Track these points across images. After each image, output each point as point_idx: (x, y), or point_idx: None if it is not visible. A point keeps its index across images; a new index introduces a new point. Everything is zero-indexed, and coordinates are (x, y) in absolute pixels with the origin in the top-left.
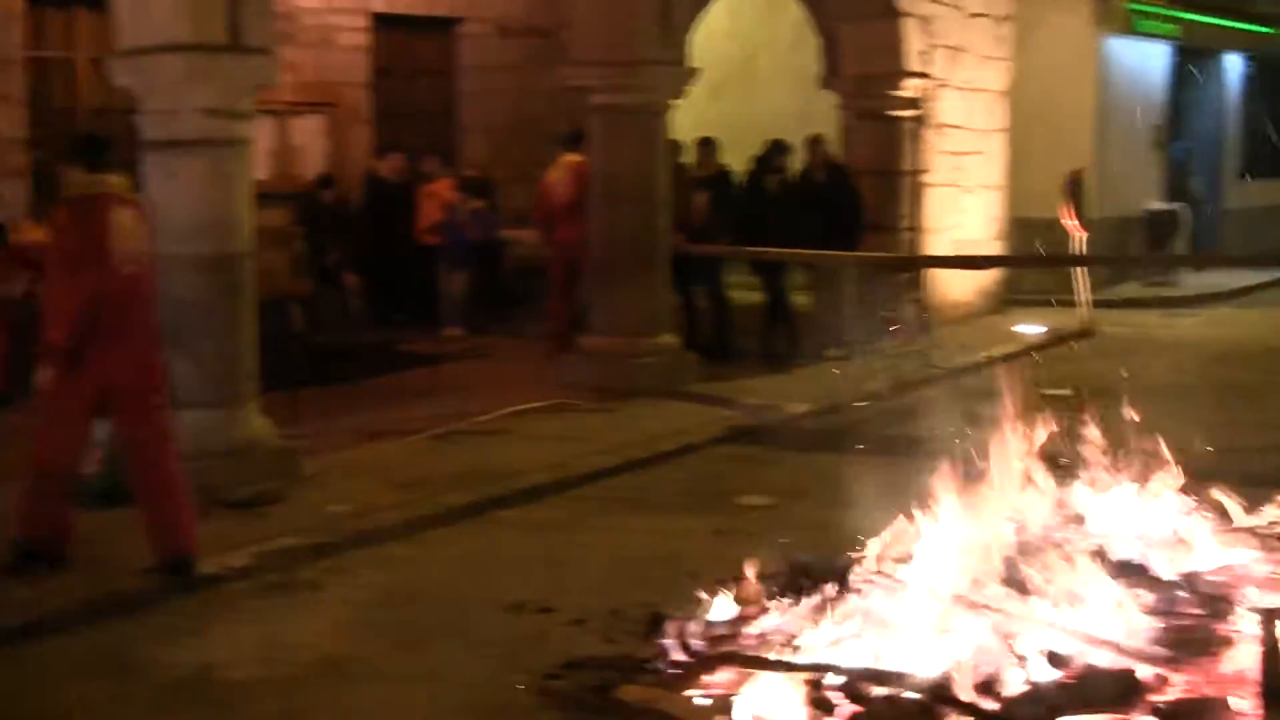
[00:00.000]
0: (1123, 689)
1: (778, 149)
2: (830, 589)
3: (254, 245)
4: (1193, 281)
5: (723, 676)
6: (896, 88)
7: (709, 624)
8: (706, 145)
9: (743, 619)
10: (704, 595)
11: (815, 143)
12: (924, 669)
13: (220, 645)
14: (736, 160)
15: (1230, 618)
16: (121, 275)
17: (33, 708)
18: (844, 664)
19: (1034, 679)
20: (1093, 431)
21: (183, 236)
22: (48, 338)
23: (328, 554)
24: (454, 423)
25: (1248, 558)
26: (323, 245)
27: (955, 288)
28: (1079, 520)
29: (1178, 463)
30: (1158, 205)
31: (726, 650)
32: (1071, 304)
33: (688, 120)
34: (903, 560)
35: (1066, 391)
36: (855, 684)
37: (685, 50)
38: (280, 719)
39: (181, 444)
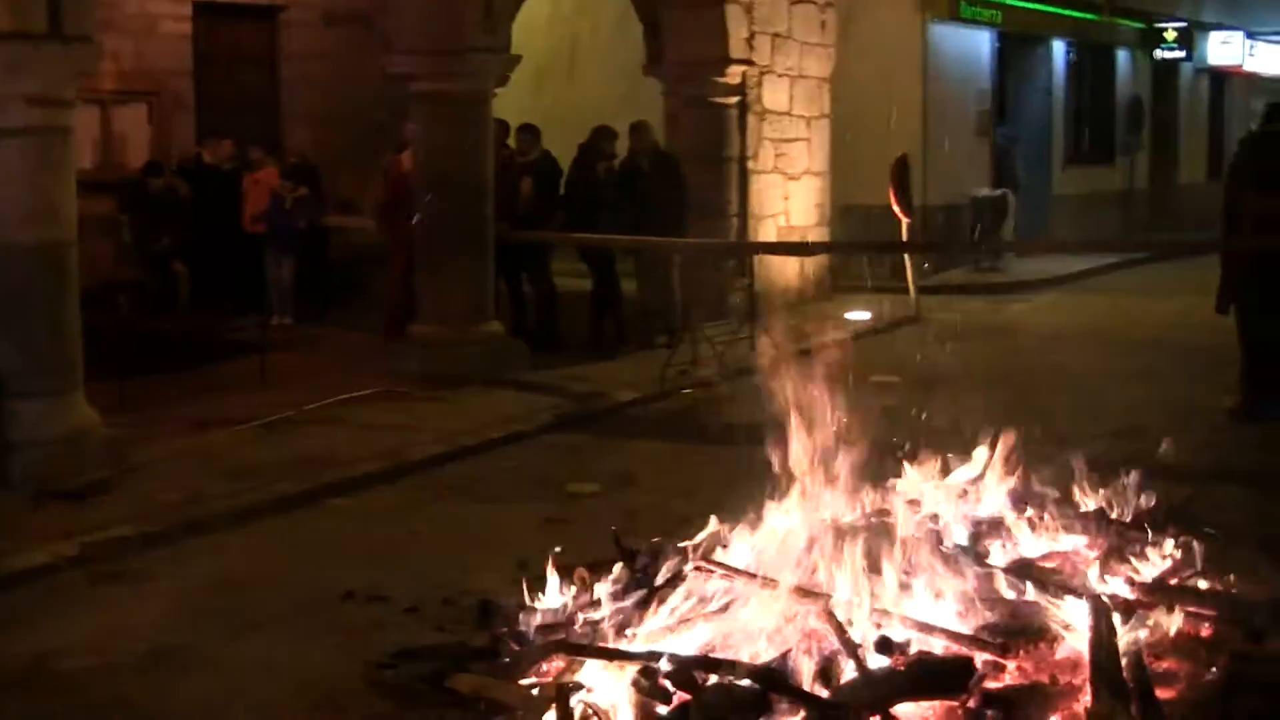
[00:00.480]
0: (956, 676)
1: (604, 135)
2: (660, 577)
3: (78, 233)
4: (1020, 268)
5: (555, 665)
6: (720, 74)
7: (540, 612)
8: (529, 132)
9: (574, 607)
10: (535, 583)
11: (640, 129)
12: (756, 656)
13: (52, 635)
14: (561, 148)
15: (1062, 604)
16: None
17: None
18: (676, 652)
19: (866, 666)
20: (923, 417)
21: (7, 225)
22: None
23: (158, 543)
24: (284, 411)
25: (1079, 543)
26: (150, 233)
27: (783, 274)
28: (911, 506)
29: (1009, 448)
30: (985, 191)
31: (558, 639)
32: (899, 291)
33: (511, 108)
34: (733, 547)
35: (895, 378)
36: (687, 672)
37: (507, 37)
38: (114, 708)
39: (12, 433)
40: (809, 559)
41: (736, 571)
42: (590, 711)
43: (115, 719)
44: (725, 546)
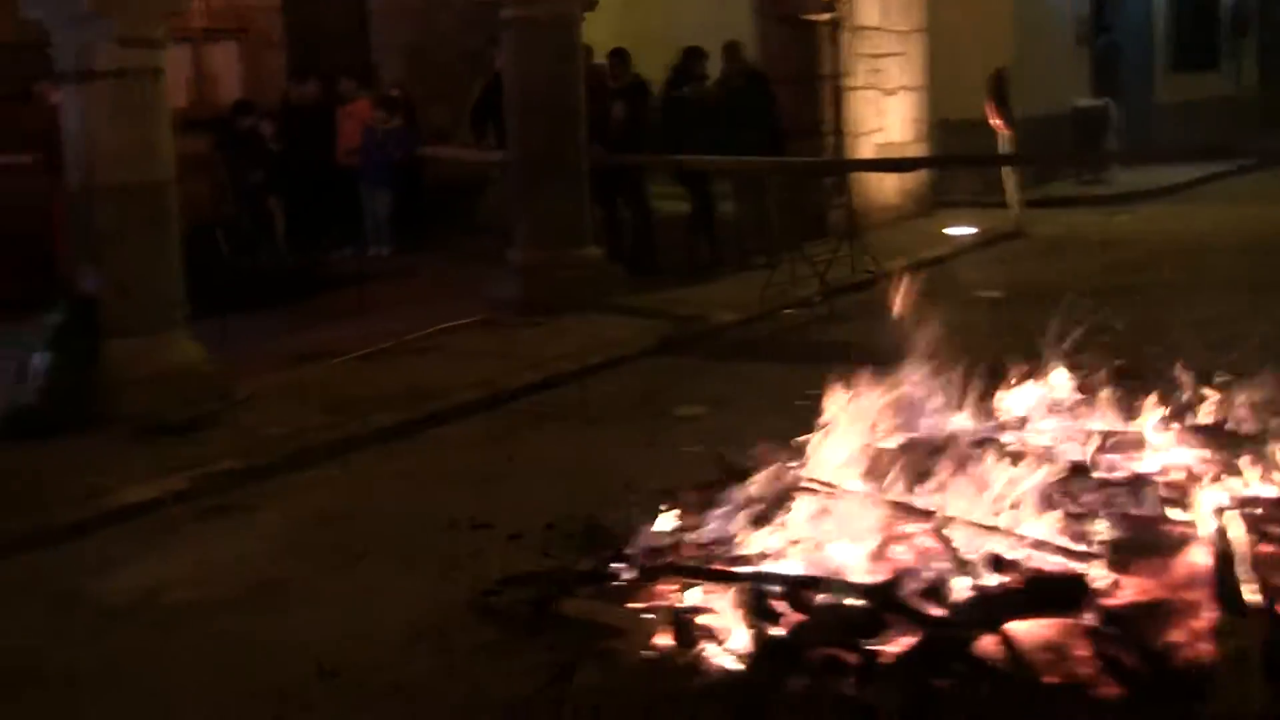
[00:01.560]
0: (1072, 593)
1: (694, 56)
2: (769, 497)
3: (176, 173)
4: (1124, 179)
5: (664, 588)
6: None
7: (647, 535)
8: (619, 56)
9: (681, 530)
10: (641, 507)
11: (732, 50)
12: (867, 575)
13: (160, 569)
14: (651, 71)
15: (1181, 518)
16: None
17: None
18: (786, 572)
19: (980, 584)
20: (1031, 333)
21: (105, 166)
22: None
23: (263, 476)
24: (383, 342)
25: (1195, 456)
26: (242, 170)
27: (882, 192)
28: (1022, 423)
29: (1120, 362)
30: (1086, 101)
31: (666, 561)
32: (1001, 205)
33: (601, 32)
34: (839, 466)
35: (998, 293)
36: (798, 592)
37: None
38: (221, 641)
39: (118, 371)
40: (917, 476)
41: (844, 491)
42: (701, 633)
43: (223, 651)
44: (831, 466)
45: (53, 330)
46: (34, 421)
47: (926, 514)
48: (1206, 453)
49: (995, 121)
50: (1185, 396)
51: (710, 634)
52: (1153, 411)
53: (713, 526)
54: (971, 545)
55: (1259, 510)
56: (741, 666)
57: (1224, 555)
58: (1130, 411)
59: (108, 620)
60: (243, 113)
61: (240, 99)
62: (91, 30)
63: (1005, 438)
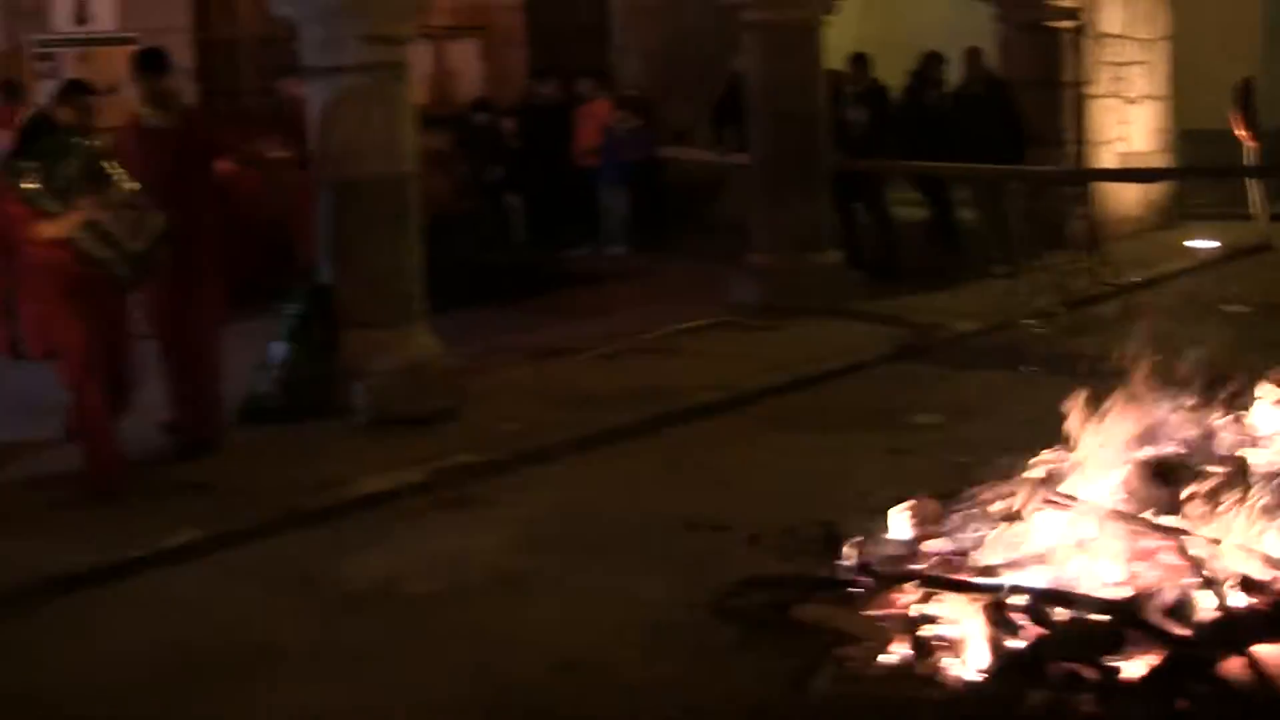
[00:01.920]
0: None
1: (934, 61)
2: (1008, 508)
3: (418, 167)
4: None
5: (901, 597)
6: None
7: (886, 543)
8: (860, 61)
9: (920, 538)
10: (880, 514)
11: (974, 55)
12: (1110, 591)
13: (399, 559)
14: (889, 76)
15: None
16: None
17: (219, 616)
18: (1026, 585)
19: (1226, 605)
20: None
21: (349, 160)
22: None
23: (500, 471)
24: (620, 341)
25: None
26: (481, 167)
27: (1123, 202)
28: (1271, 440)
29: None
30: None
31: (905, 570)
32: (1246, 218)
33: (839, 36)
34: (1080, 480)
35: (1245, 308)
36: (1039, 605)
37: None
38: (460, 631)
39: (356, 363)
40: (1161, 493)
41: (1087, 505)
42: (939, 643)
43: (461, 642)
44: (1072, 478)
45: (291, 320)
46: (272, 410)
47: (1172, 531)
48: None
49: (1241, 132)
50: None
51: (948, 645)
52: None
53: (952, 536)
54: (1219, 564)
55: None
56: (980, 679)
57: None
58: None
59: (348, 606)
60: (481, 110)
61: (480, 96)
62: (340, 26)
63: (1254, 456)
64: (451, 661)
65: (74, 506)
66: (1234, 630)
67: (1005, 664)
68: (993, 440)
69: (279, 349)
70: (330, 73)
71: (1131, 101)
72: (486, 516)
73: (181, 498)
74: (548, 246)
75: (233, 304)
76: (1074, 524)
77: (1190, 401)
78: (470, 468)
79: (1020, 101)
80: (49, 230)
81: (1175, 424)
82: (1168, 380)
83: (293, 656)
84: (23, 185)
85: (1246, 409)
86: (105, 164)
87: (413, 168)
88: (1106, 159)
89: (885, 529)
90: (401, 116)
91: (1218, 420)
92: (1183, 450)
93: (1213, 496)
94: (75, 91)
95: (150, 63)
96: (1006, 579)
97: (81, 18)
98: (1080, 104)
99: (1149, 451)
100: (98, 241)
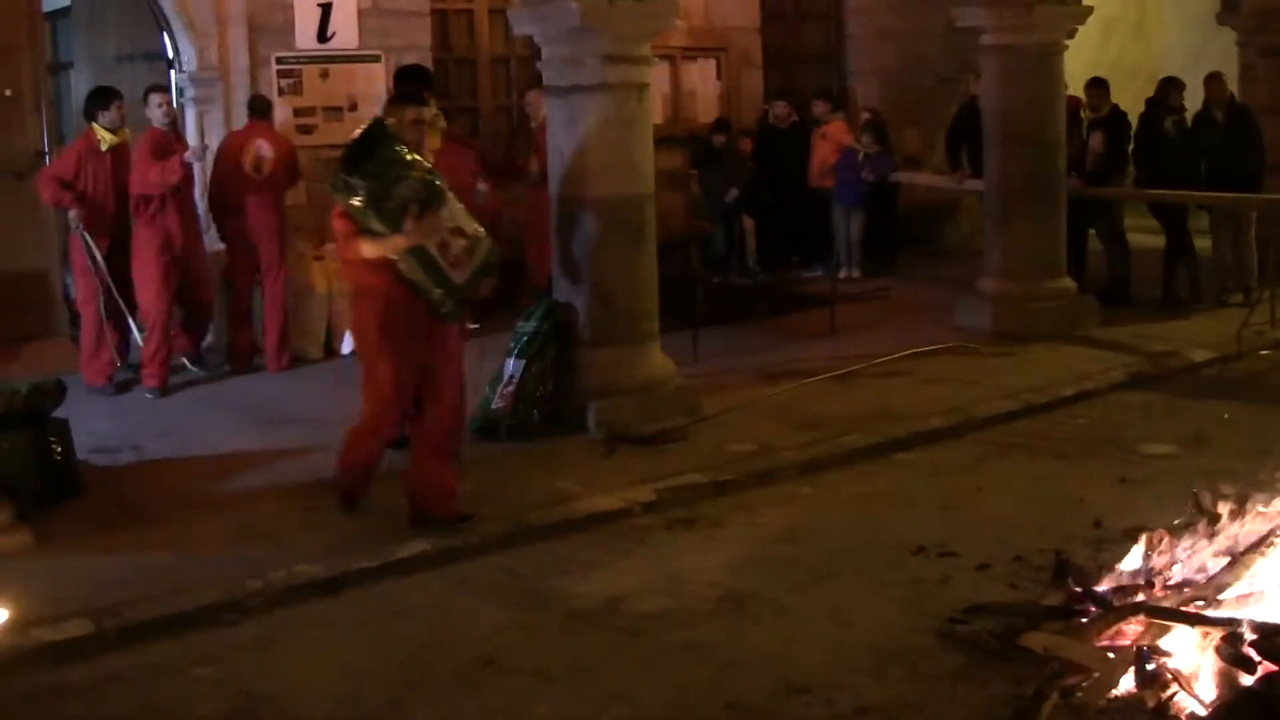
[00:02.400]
0: None
1: (1172, 87)
2: (1245, 540)
3: (655, 187)
4: None
5: (1131, 627)
6: None
7: (1116, 573)
8: (1099, 86)
9: (1152, 569)
10: (1110, 543)
11: (1214, 81)
12: None
13: (626, 577)
14: (1128, 101)
15: None
16: None
17: (446, 628)
18: (1260, 619)
19: None
20: None
21: (589, 178)
22: None
23: (729, 491)
24: (852, 364)
25: None
26: (718, 187)
27: None
28: None
29: None
30: None
31: (1136, 600)
32: None
33: (1079, 60)
34: None
35: None
36: (1274, 640)
37: None
38: (686, 651)
39: (589, 381)
40: None
41: None
42: (1169, 676)
43: (688, 661)
44: None
45: (526, 337)
46: (505, 426)
47: None
48: None
49: None
50: None
51: (1178, 679)
52: None
53: (1184, 568)
54: None
55: None
56: (1210, 714)
57: None
58: None
59: (575, 622)
60: (720, 130)
61: (718, 117)
62: (580, 46)
63: None
64: (676, 680)
65: (314, 513)
66: None
67: (1237, 700)
68: (1226, 471)
69: (513, 365)
70: (570, 91)
71: None
72: (714, 536)
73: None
74: (781, 268)
75: (475, 318)
76: None
77: None
78: (700, 488)
79: (1261, 127)
80: (371, 251)
81: None
82: None
83: (517, 670)
84: (351, 203)
85: None
86: (439, 185)
87: (650, 187)
88: None
89: (1116, 559)
90: (640, 136)
91: None
92: None
93: None
94: (411, 101)
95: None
96: (1240, 613)
97: (324, 35)
98: None
99: None
100: (421, 268)
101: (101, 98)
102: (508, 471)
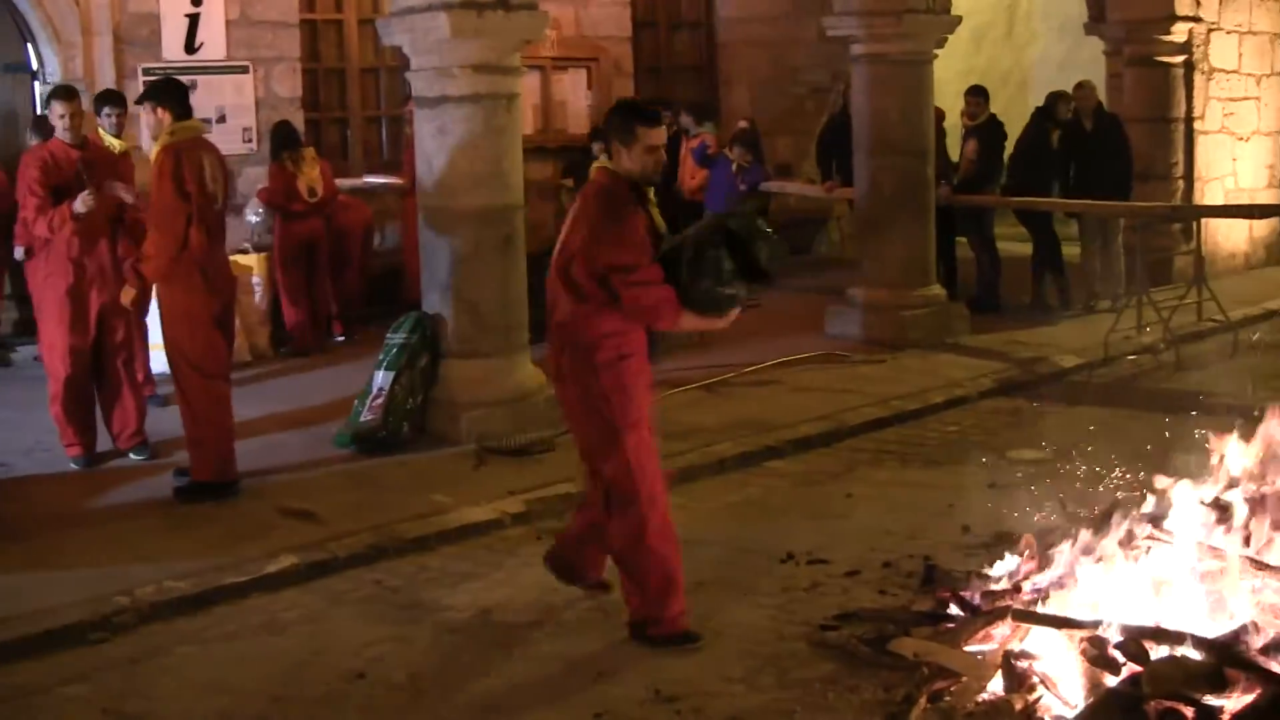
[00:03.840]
0: None
1: (1060, 99)
2: (1107, 545)
3: (525, 198)
4: None
5: (1000, 631)
6: (1166, 32)
7: (984, 578)
8: (977, 94)
9: (1019, 574)
10: (979, 549)
11: (1083, 89)
12: (1210, 629)
13: (497, 588)
14: (998, 109)
15: None
16: None
17: (321, 642)
18: (1126, 622)
19: None
20: None
21: (456, 190)
22: None
23: None
24: (723, 373)
25: None
26: None
27: (1230, 239)
28: None
29: None
30: None
31: (1004, 605)
32: None
33: (950, 68)
34: (1180, 516)
35: None
36: (1138, 642)
37: None
38: (557, 661)
39: (459, 393)
40: (1267, 530)
41: (1189, 542)
42: (1036, 678)
43: (559, 672)
44: (1173, 516)
45: (395, 349)
46: (374, 439)
47: (1272, 568)
48: None
49: None
50: None
51: (1045, 681)
52: None
53: (1052, 573)
54: None
55: None
56: (1076, 715)
57: None
58: None
59: (447, 634)
60: (597, 140)
61: (595, 126)
62: (450, 56)
63: None
64: (548, 690)
65: (183, 528)
66: None
67: (1103, 701)
68: (1094, 475)
69: (382, 378)
70: (439, 102)
71: (1242, 138)
72: None
73: (283, 525)
74: None
75: (343, 331)
76: (1177, 561)
77: None
78: (570, 498)
79: (1128, 136)
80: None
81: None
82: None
83: (390, 683)
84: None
85: None
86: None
87: (520, 198)
88: (1215, 194)
89: (984, 564)
90: (510, 146)
91: None
92: None
93: None
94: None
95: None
96: (1105, 616)
97: (192, 46)
98: (1190, 139)
99: (1256, 487)
100: None
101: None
102: (378, 484)
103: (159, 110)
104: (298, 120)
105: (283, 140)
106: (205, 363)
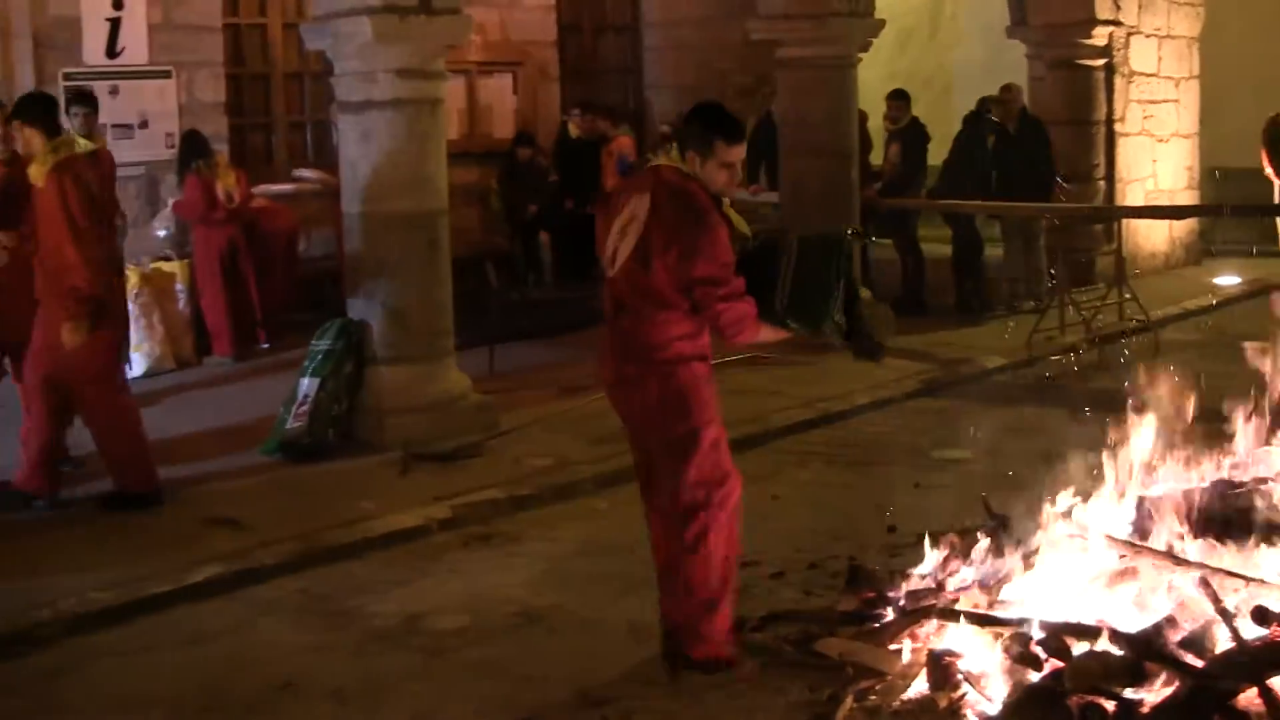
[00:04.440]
0: None
1: (994, 103)
2: (1031, 543)
3: (449, 203)
4: None
5: (925, 630)
6: (1087, 36)
7: (909, 577)
8: (899, 98)
9: (944, 573)
10: (904, 548)
11: (1007, 92)
12: (1129, 624)
13: (424, 595)
14: (923, 111)
15: None
16: None
17: (243, 652)
18: (1046, 618)
19: (1241, 637)
20: None
21: (380, 195)
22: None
23: (527, 506)
24: None
25: None
26: (520, 203)
27: (1151, 239)
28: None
29: None
30: None
31: (928, 604)
32: (1273, 255)
33: (874, 72)
34: (1107, 515)
35: (1267, 344)
36: (1059, 639)
37: (871, 1)
38: (484, 668)
39: (385, 399)
40: (1181, 527)
41: (1109, 539)
42: (961, 676)
43: (487, 678)
44: (1098, 514)
45: (321, 355)
46: (301, 445)
47: (1191, 564)
48: None
49: (1269, 170)
50: None
51: (969, 678)
52: None
53: (975, 571)
54: (1236, 597)
55: None
56: (1000, 712)
57: None
58: None
59: (373, 642)
60: (523, 144)
61: (521, 130)
62: (374, 61)
63: (1269, 489)
64: (475, 697)
65: (105, 539)
66: (1250, 662)
67: (1025, 697)
68: (1019, 475)
69: (307, 384)
70: (363, 107)
71: (1161, 140)
72: (512, 552)
73: (207, 533)
74: (579, 282)
75: (268, 338)
76: (1097, 558)
77: (1213, 436)
78: (497, 504)
79: (1051, 138)
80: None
81: (1198, 458)
82: (1191, 414)
83: (316, 692)
84: None
85: (1269, 443)
86: None
87: (444, 203)
88: (1136, 195)
89: (909, 563)
90: (434, 151)
91: (1239, 453)
92: (1204, 483)
93: (1231, 528)
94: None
95: None
96: (1026, 613)
97: (113, 51)
98: (1111, 141)
99: (1173, 485)
100: None
101: None
102: (304, 491)
103: (26, 129)
104: (221, 126)
105: (194, 149)
106: (105, 377)
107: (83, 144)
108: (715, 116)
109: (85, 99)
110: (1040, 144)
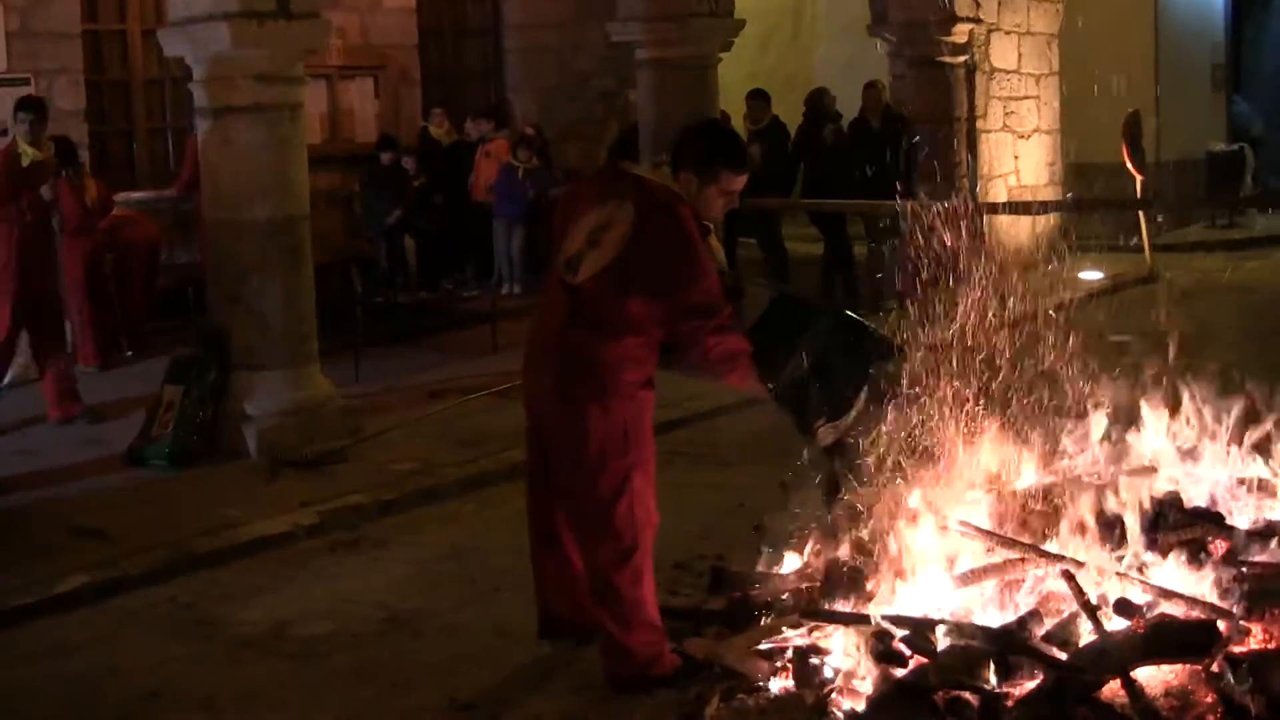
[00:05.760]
0: (1199, 639)
1: (821, 96)
2: (896, 539)
3: (311, 208)
4: (1259, 224)
5: (790, 629)
6: (947, 33)
7: (774, 577)
8: (760, 98)
9: (808, 571)
10: (769, 547)
11: (871, 89)
12: (992, 618)
13: (291, 601)
14: (787, 111)
15: None
16: None
17: (114, 662)
18: (910, 614)
19: (1105, 629)
20: (1162, 377)
21: (241, 201)
22: None
23: (393, 511)
24: (515, 379)
25: None
26: (383, 207)
27: (1014, 235)
28: (1151, 468)
29: (1251, 409)
30: (1220, 146)
31: (793, 603)
32: (1134, 250)
33: (737, 72)
34: (969, 509)
35: (1130, 337)
36: (923, 635)
37: (731, 2)
38: (353, 673)
39: (249, 406)
40: (1045, 519)
41: (971, 532)
42: (828, 675)
43: (356, 683)
44: (959, 508)
45: (183, 363)
46: (165, 453)
47: (1053, 557)
48: None
49: (1129, 165)
50: None
51: (835, 676)
52: None
53: (841, 569)
54: (1098, 589)
55: None
56: (866, 708)
57: None
58: (1264, 456)
59: (241, 649)
60: (385, 148)
61: (383, 134)
62: (232, 66)
63: (1137, 481)
64: (344, 702)
65: None
66: (1114, 654)
67: (890, 694)
68: (886, 471)
69: (170, 392)
70: (223, 113)
71: (1023, 136)
72: (379, 557)
73: (72, 544)
74: (442, 285)
75: (131, 347)
76: (959, 551)
77: (1077, 429)
78: (363, 508)
79: (915, 135)
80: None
81: (1062, 450)
82: (1052, 406)
83: (184, 702)
84: None
85: (1131, 436)
86: None
87: (305, 208)
88: (998, 191)
89: (775, 562)
90: (294, 157)
91: (1103, 446)
92: (1067, 476)
93: (1094, 521)
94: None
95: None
96: (891, 610)
97: None
98: (973, 137)
99: (1036, 477)
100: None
101: None
102: (169, 499)
103: None
104: (80, 133)
105: (63, 156)
106: None
107: (30, 153)
108: (722, 140)
109: (32, 105)
110: (900, 141)
